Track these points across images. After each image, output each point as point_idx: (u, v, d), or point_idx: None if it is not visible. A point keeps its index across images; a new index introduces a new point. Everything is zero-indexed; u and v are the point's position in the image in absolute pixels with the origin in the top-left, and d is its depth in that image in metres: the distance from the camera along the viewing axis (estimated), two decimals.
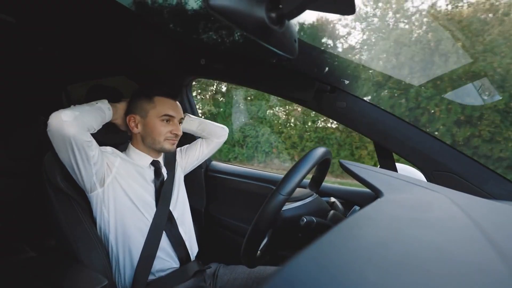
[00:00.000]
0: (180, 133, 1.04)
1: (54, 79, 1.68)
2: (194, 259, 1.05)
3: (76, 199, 0.94)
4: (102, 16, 0.98)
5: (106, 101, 0.94)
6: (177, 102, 1.06)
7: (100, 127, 0.90)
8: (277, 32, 0.36)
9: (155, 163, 1.05)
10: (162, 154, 1.16)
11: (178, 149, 1.21)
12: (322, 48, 1.08)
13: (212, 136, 1.22)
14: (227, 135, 1.25)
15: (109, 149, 1.00)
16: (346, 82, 1.05)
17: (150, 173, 1.03)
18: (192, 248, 1.06)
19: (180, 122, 1.06)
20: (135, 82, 1.44)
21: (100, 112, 0.89)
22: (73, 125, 0.77)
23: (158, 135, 0.99)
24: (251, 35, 0.34)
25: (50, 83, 1.69)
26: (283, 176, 0.67)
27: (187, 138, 1.25)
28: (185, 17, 1.17)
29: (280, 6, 0.34)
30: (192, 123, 1.17)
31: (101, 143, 1.05)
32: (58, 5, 0.90)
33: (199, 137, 1.24)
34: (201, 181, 1.45)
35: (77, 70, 1.61)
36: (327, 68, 1.14)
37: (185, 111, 1.35)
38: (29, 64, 1.55)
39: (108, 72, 1.48)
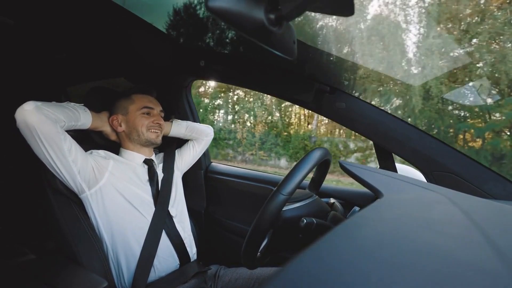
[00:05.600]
0: (162, 122, 1.08)
1: (53, 80, 1.68)
2: (194, 259, 1.06)
3: (76, 201, 0.94)
4: (101, 18, 0.98)
5: (82, 105, 0.94)
6: (154, 97, 1.12)
7: (74, 124, 0.88)
8: (276, 34, 0.36)
9: (148, 162, 1.06)
10: (161, 156, 1.17)
11: (176, 150, 1.22)
12: (322, 49, 1.08)
13: (201, 135, 1.25)
14: (213, 132, 1.31)
15: (102, 152, 1.00)
16: (346, 82, 1.06)
17: (144, 172, 1.04)
18: (191, 247, 1.07)
19: (161, 116, 1.09)
20: (134, 83, 1.44)
21: (71, 109, 0.87)
22: (34, 113, 0.76)
23: (141, 126, 1.02)
24: (250, 36, 0.34)
25: (49, 85, 1.69)
26: (283, 177, 0.67)
27: (181, 140, 1.26)
28: (185, 19, 1.17)
29: (279, 7, 0.34)
30: (180, 127, 1.19)
31: (99, 146, 1.05)
32: (56, 7, 0.90)
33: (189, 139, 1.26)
34: (201, 182, 1.45)
35: (77, 72, 1.61)
36: (326, 69, 1.14)
37: (184, 113, 1.36)
38: (28, 66, 1.55)
39: (108, 73, 1.48)
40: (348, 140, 6.31)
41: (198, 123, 1.29)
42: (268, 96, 6.96)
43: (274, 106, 7.25)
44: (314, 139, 6.61)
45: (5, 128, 1.18)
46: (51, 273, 0.82)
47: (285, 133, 6.93)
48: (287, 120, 7.19)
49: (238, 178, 1.39)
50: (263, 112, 7.31)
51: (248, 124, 7.45)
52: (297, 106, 6.70)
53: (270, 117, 7.31)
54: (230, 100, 7.71)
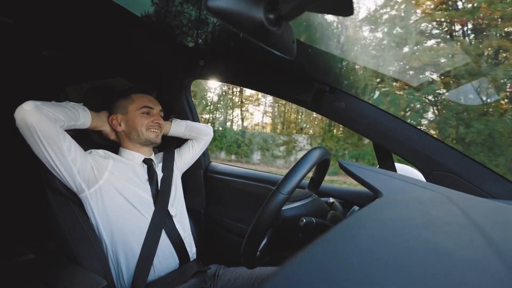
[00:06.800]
0: (162, 122, 1.07)
1: (53, 80, 1.68)
2: (193, 258, 1.06)
3: (75, 201, 0.94)
4: (100, 17, 0.98)
5: (81, 104, 0.94)
6: (154, 97, 1.12)
7: (73, 124, 0.87)
8: (275, 34, 0.36)
9: (147, 161, 1.06)
10: (160, 155, 1.17)
11: (176, 149, 1.22)
12: (321, 48, 1.08)
13: (201, 135, 1.25)
14: (212, 132, 1.31)
15: (101, 151, 1.00)
16: (345, 82, 1.06)
17: (144, 171, 1.04)
18: (191, 246, 1.07)
19: (161, 115, 1.09)
20: (133, 83, 1.44)
21: (70, 109, 0.87)
22: (33, 113, 0.76)
23: (140, 126, 1.02)
24: (249, 36, 0.34)
25: (49, 85, 1.69)
26: (283, 176, 0.67)
27: (181, 140, 1.26)
28: (184, 18, 1.17)
29: (278, 7, 0.34)
30: (180, 127, 1.19)
31: (98, 146, 1.06)
32: (56, 6, 0.90)
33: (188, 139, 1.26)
34: (201, 182, 1.45)
35: (76, 72, 1.61)
36: (325, 69, 1.14)
37: (184, 112, 1.36)
38: (27, 66, 1.55)
39: (107, 73, 1.48)
40: (275, 135, 7.32)
41: (198, 123, 1.29)
42: (212, 97, 8.28)
43: (212, 105, 8.48)
44: (246, 135, 7.46)
45: (5, 128, 1.18)
46: (51, 273, 0.82)
47: (221, 129, 7.88)
48: (225, 117, 8.34)
49: (238, 177, 1.39)
50: (203, 110, 8.38)
51: None
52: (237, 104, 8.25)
53: (210, 115, 8.43)
54: None
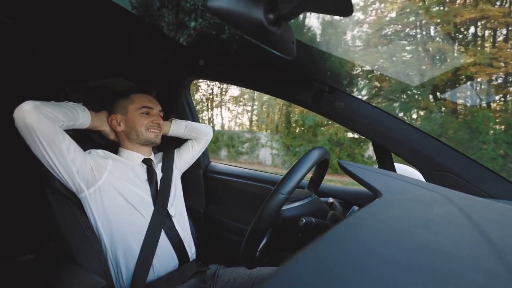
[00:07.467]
0: (161, 122, 1.08)
1: (53, 80, 1.68)
2: (193, 258, 1.06)
3: (74, 201, 0.94)
4: (100, 17, 0.98)
5: (81, 104, 0.94)
6: (153, 97, 1.12)
7: (72, 123, 0.87)
8: (275, 34, 0.36)
9: (146, 161, 1.06)
10: (160, 155, 1.17)
11: (175, 150, 1.22)
12: (320, 48, 1.08)
13: (200, 135, 1.25)
14: (212, 132, 1.31)
15: (100, 152, 1.00)
16: (345, 82, 1.06)
17: (143, 171, 1.04)
18: (191, 246, 1.07)
19: (160, 115, 1.09)
20: (133, 83, 1.44)
21: (70, 109, 0.86)
22: (32, 113, 0.75)
23: (140, 126, 1.02)
24: (249, 36, 0.34)
25: (49, 85, 1.69)
26: (283, 176, 0.67)
27: (180, 140, 1.26)
28: (184, 18, 1.17)
29: (278, 7, 0.34)
30: (180, 127, 1.19)
31: (98, 146, 1.05)
32: (56, 6, 0.90)
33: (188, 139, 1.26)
34: (200, 182, 1.45)
35: (76, 72, 1.60)
36: (325, 69, 1.14)
37: (184, 112, 1.36)
38: (27, 66, 1.55)
39: (107, 73, 1.48)
40: (241, 133, 7.66)
41: (198, 123, 1.29)
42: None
43: None
44: (215, 132, 7.79)
45: (4, 128, 1.18)
46: (51, 273, 0.82)
47: None
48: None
49: (237, 177, 1.39)
50: None
51: None
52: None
53: None
54: None
